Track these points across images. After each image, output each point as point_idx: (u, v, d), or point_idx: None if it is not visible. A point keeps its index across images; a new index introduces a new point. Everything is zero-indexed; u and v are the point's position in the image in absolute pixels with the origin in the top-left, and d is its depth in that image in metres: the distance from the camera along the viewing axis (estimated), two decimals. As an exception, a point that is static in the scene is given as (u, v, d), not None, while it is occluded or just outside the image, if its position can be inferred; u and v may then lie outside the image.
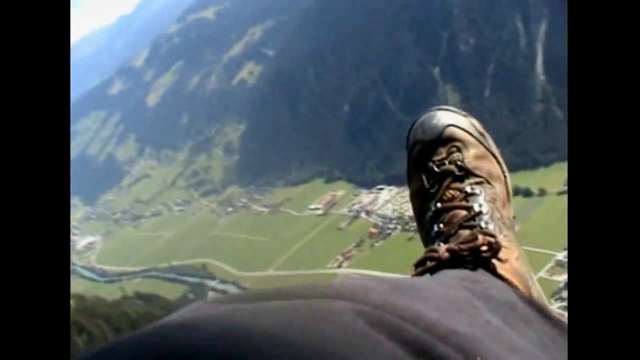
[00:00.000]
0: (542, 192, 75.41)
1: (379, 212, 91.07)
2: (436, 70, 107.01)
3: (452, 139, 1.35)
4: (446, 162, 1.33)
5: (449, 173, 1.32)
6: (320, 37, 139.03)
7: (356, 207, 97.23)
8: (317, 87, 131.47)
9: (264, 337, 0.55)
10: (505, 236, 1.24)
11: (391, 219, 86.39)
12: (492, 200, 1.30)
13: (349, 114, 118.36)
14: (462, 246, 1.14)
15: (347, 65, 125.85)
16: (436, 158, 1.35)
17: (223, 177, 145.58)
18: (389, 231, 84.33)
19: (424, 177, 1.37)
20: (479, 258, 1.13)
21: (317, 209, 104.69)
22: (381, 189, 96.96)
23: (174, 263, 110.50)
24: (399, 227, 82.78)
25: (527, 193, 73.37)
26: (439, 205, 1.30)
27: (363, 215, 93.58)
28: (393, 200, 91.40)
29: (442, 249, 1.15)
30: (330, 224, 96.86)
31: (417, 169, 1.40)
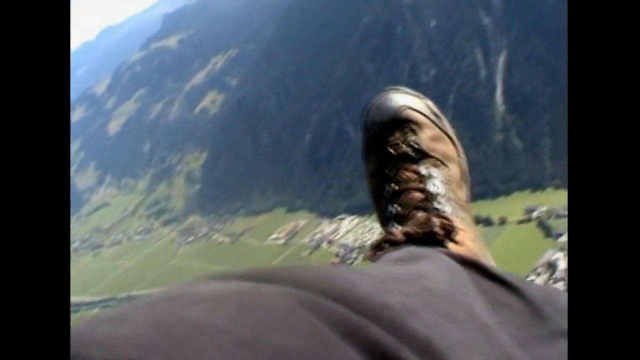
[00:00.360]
0: (503, 221, 75.86)
1: (341, 241, 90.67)
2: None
3: (407, 120, 1.34)
4: (401, 144, 1.33)
5: (405, 155, 1.32)
6: (283, 67, 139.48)
7: (318, 236, 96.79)
8: (279, 116, 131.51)
9: (190, 325, 0.54)
10: (461, 218, 1.25)
11: (353, 249, 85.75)
12: (448, 182, 1.31)
13: (311, 144, 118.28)
14: (417, 229, 1.15)
15: (309, 95, 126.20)
16: (392, 140, 1.34)
17: (184, 206, 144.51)
18: (350, 261, 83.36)
19: (379, 159, 1.37)
20: (434, 241, 1.13)
21: (279, 238, 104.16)
22: (343, 218, 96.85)
23: (134, 292, 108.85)
24: (361, 256, 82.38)
25: (487, 222, 73.73)
26: (394, 187, 1.30)
27: (324, 245, 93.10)
28: (355, 230, 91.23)
29: (398, 231, 1.16)
30: (292, 254, 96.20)
31: (373, 151, 1.40)
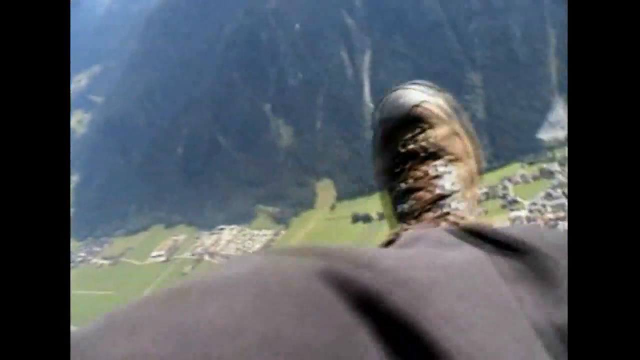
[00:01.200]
0: (382, 216, 76.99)
1: (223, 252, 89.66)
2: (267, 106, 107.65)
3: (419, 118, 1.32)
4: (412, 142, 1.31)
5: (415, 153, 1.30)
6: (149, 81, 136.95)
7: (199, 249, 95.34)
8: (149, 131, 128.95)
9: (208, 330, 0.52)
10: (476, 215, 1.26)
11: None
12: (462, 180, 1.29)
13: (183, 157, 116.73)
14: None
15: (178, 108, 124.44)
16: (402, 138, 1.32)
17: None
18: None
19: (390, 156, 1.35)
20: None
21: (160, 255, 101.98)
22: (222, 229, 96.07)
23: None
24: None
25: (366, 218, 74.98)
26: (403, 185, 1.28)
27: (207, 257, 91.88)
28: (235, 240, 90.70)
29: (405, 232, 1.14)
30: (175, 270, 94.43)
31: (384, 148, 1.38)
